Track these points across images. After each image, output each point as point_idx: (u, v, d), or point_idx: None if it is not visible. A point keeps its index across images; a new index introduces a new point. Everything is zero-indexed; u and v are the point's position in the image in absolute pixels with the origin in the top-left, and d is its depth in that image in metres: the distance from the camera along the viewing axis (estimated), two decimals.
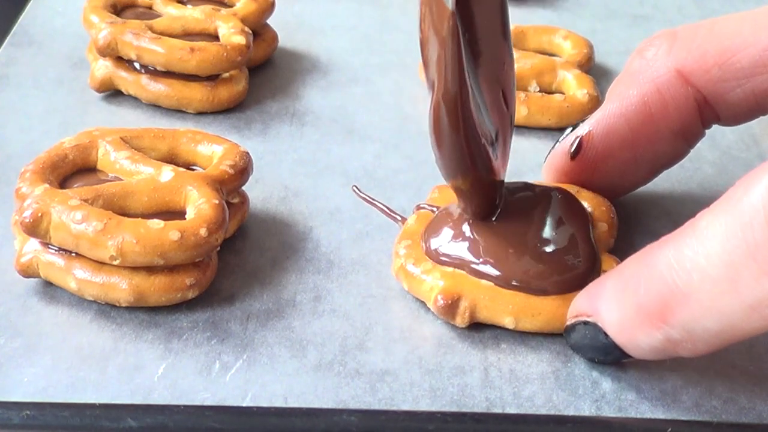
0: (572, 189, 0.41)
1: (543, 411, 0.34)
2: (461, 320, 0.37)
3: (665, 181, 0.46)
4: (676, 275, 0.31)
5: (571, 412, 0.34)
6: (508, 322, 0.37)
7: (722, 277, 0.29)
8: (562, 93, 0.51)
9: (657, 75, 0.39)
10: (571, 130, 0.41)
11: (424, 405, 0.34)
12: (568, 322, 0.36)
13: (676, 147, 0.41)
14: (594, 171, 0.41)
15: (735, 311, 0.30)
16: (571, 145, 0.41)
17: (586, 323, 0.35)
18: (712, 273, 0.30)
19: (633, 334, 0.33)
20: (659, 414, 0.34)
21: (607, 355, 0.35)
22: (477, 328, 0.37)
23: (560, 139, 0.42)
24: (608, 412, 0.34)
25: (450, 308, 0.37)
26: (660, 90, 0.39)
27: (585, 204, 0.41)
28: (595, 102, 0.50)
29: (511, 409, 0.34)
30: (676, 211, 0.45)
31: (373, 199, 0.44)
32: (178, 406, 0.33)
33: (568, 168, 0.41)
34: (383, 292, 0.39)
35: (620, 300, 0.33)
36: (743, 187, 0.29)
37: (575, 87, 0.50)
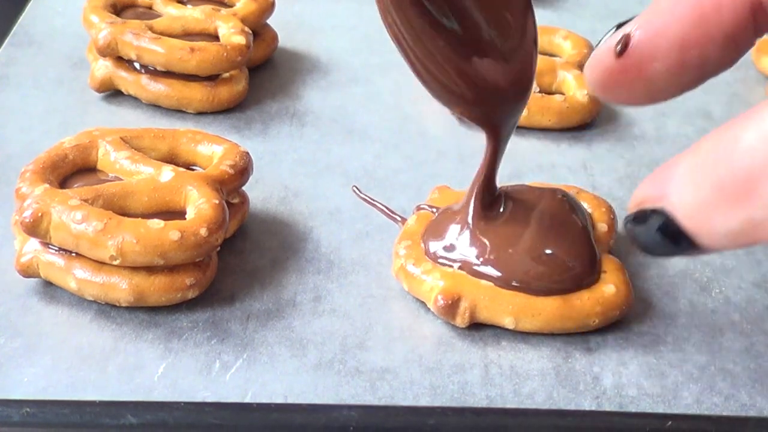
0: (572, 190, 0.41)
1: (544, 407, 0.34)
2: (461, 320, 0.37)
3: None
4: (758, 149, 0.28)
5: (571, 408, 0.34)
6: (508, 323, 0.37)
7: None
8: (562, 93, 0.51)
9: None
10: (617, 28, 0.39)
11: (424, 402, 0.34)
12: (631, 211, 0.32)
13: (725, 53, 0.37)
14: (639, 72, 0.38)
15: None
16: (618, 43, 0.37)
17: (653, 211, 0.31)
18: None
19: (709, 217, 0.30)
20: (660, 410, 0.34)
21: (676, 246, 0.31)
22: (477, 326, 0.37)
23: (605, 37, 0.38)
24: (609, 408, 0.34)
25: (450, 308, 0.37)
26: None
27: (585, 205, 0.41)
28: (596, 102, 0.50)
29: (512, 406, 0.34)
30: None
31: (373, 200, 0.44)
32: (178, 403, 0.33)
33: (611, 68, 0.39)
34: (383, 292, 0.39)
35: (696, 179, 0.30)
36: None
37: (575, 87, 0.50)
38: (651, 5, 0.38)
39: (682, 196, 0.31)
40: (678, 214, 0.31)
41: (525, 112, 0.49)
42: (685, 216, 0.31)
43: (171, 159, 0.41)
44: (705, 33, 0.37)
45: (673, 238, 0.31)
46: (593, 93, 0.40)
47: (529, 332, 0.37)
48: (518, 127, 0.49)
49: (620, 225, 0.41)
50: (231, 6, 0.53)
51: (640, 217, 0.32)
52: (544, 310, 0.37)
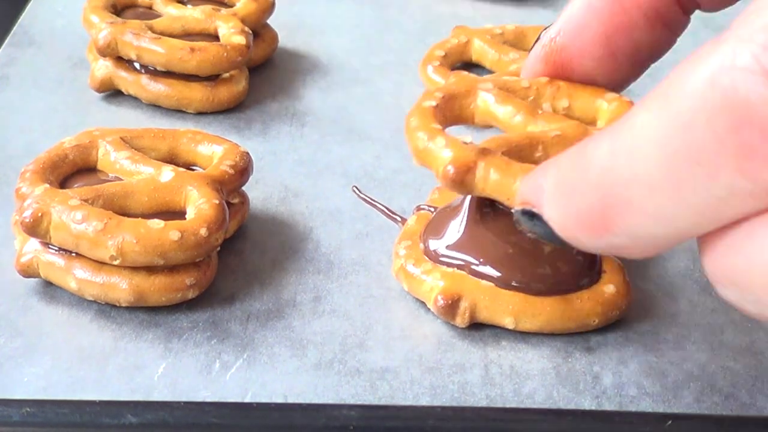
0: None
1: (544, 407, 0.34)
2: (461, 320, 0.37)
3: None
4: (613, 181, 0.27)
5: (571, 408, 0.34)
6: (508, 323, 0.37)
7: (664, 183, 0.26)
8: None
9: None
10: (540, 35, 0.39)
11: (425, 402, 0.34)
12: (516, 207, 0.32)
13: (655, 35, 0.36)
14: (571, 72, 0.39)
15: (682, 217, 0.27)
16: (542, 48, 0.38)
17: (533, 213, 0.32)
18: (652, 179, 0.26)
19: (576, 237, 0.30)
20: (660, 410, 0.34)
21: (560, 244, 0.31)
22: (477, 326, 0.37)
23: (533, 45, 0.39)
24: (609, 408, 0.34)
25: (450, 308, 0.37)
26: None
27: None
28: None
29: (512, 406, 0.34)
30: None
31: (373, 200, 0.44)
32: (178, 402, 0.33)
33: (544, 73, 0.38)
34: (383, 293, 0.39)
35: (559, 202, 0.30)
36: (679, 78, 0.25)
37: None
38: (568, 5, 0.37)
39: (551, 212, 0.31)
40: (552, 225, 0.31)
41: None
42: (558, 228, 0.31)
43: (171, 159, 0.41)
44: (625, 19, 0.36)
45: (555, 239, 0.31)
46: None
47: (529, 332, 0.37)
48: None
49: None
50: (231, 6, 0.53)
51: (527, 212, 0.32)
52: (544, 310, 0.37)
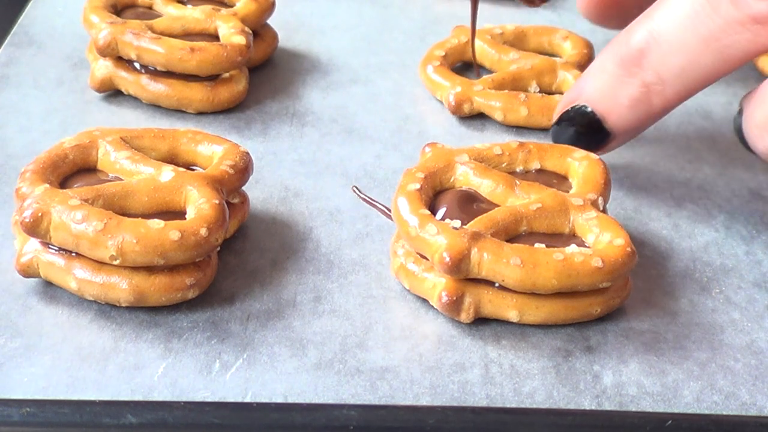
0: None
1: (544, 407, 0.34)
2: (466, 316, 0.37)
3: (665, 182, 0.46)
4: (649, 28, 0.39)
5: (571, 407, 0.34)
6: (512, 316, 0.37)
7: (684, 17, 0.38)
8: (563, 93, 0.51)
9: None
10: None
11: (425, 402, 0.34)
12: (556, 115, 0.42)
13: None
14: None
15: (693, 46, 0.38)
16: None
17: (571, 108, 0.42)
18: (674, 18, 0.38)
19: (613, 91, 0.40)
20: (660, 409, 0.34)
21: (593, 133, 0.41)
22: (478, 325, 0.37)
23: None
24: (609, 407, 0.34)
25: (454, 305, 0.37)
26: None
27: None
28: None
29: (512, 405, 0.34)
30: (677, 213, 0.45)
31: (373, 200, 0.44)
32: (178, 402, 0.33)
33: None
34: (383, 293, 0.39)
35: (603, 64, 0.41)
36: None
37: None
38: None
39: (594, 82, 0.41)
40: (591, 100, 0.41)
41: (525, 112, 0.49)
42: (596, 99, 0.41)
43: (171, 159, 0.41)
44: None
45: (591, 126, 0.41)
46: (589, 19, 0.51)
47: (530, 329, 0.37)
48: (518, 128, 0.49)
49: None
50: (231, 6, 0.53)
51: (564, 117, 0.42)
52: (547, 301, 0.37)
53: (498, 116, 0.49)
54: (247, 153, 0.41)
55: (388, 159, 0.47)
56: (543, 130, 0.49)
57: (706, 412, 0.34)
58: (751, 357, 0.37)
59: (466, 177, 0.40)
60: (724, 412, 0.34)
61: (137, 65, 0.49)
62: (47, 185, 0.37)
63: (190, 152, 0.41)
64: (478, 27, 0.52)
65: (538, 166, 0.41)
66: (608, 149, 0.42)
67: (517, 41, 0.54)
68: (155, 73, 0.49)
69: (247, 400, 0.33)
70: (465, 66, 0.54)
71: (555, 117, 0.43)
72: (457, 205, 0.39)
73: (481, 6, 0.52)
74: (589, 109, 0.41)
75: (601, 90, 0.41)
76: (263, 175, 0.45)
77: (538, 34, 0.55)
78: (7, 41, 0.55)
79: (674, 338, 0.37)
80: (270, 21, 0.54)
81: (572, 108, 0.42)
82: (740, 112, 0.40)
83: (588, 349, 0.37)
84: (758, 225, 0.44)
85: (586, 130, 0.42)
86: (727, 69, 0.39)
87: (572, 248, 0.37)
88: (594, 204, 0.39)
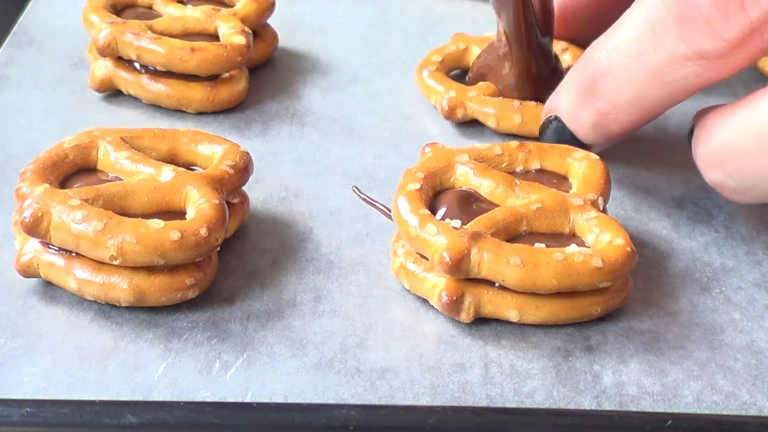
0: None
1: (544, 407, 0.34)
2: (466, 316, 0.37)
3: (665, 182, 0.46)
4: (602, 56, 0.39)
5: (571, 407, 0.34)
6: (512, 316, 0.37)
7: (631, 50, 0.38)
8: None
9: None
10: None
11: (425, 402, 0.34)
12: (542, 121, 0.44)
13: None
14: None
15: (642, 78, 0.38)
16: None
17: (551, 118, 0.43)
18: (624, 49, 0.38)
19: (576, 113, 0.42)
20: (660, 409, 0.34)
21: (573, 141, 0.42)
22: (478, 325, 0.37)
23: None
24: (609, 407, 0.34)
25: (455, 305, 0.37)
26: None
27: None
28: None
29: (512, 405, 0.34)
30: (677, 213, 0.45)
31: (373, 200, 0.44)
32: (178, 402, 0.33)
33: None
34: (383, 293, 0.39)
35: (568, 87, 0.42)
36: None
37: None
38: None
39: (563, 100, 0.43)
40: (563, 117, 0.43)
41: (519, 120, 0.48)
42: (565, 117, 0.42)
43: (171, 159, 0.41)
44: None
45: (565, 135, 0.43)
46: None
47: (530, 329, 0.37)
48: (512, 136, 0.49)
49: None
50: (231, 6, 0.53)
51: (545, 123, 0.43)
52: (547, 301, 0.37)
53: (491, 123, 0.49)
54: (247, 153, 0.41)
55: (388, 159, 0.47)
56: (536, 138, 0.49)
57: (706, 412, 0.34)
58: (751, 357, 0.37)
59: (466, 177, 0.40)
60: (724, 412, 0.34)
61: (137, 65, 0.49)
62: (47, 185, 0.37)
63: (190, 152, 0.41)
64: (477, 35, 0.52)
65: (538, 166, 0.41)
66: (598, 150, 0.43)
67: None
68: (155, 73, 0.49)
69: (247, 400, 0.33)
70: (462, 72, 0.53)
71: (541, 119, 0.45)
72: (457, 205, 0.39)
73: (481, 6, 0.52)
74: (563, 122, 0.43)
75: (567, 109, 0.42)
76: (263, 175, 0.45)
77: None
78: (7, 41, 0.55)
79: (674, 338, 0.37)
80: (270, 21, 0.54)
81: (548, 118, 0.44)
82: (692, 131, 0.41)
83: (588, 349, 0.37)
84: (758, 225, 0.44)
85: (567, 138, 0.43)
86: (679, 99, 0.39)
87: (572, 248, 0.37)
88: (594, 204, 0.39)
